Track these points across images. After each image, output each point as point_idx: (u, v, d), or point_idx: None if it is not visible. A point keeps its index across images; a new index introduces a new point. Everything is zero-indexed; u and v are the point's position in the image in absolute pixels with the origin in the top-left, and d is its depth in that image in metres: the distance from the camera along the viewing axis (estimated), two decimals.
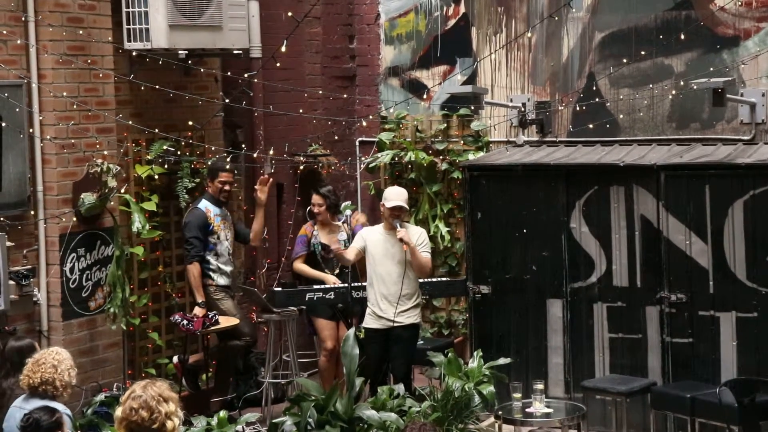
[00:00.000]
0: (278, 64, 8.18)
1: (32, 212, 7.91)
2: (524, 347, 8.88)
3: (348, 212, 9.36)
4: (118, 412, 4.79)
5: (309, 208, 9.45)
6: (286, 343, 9.21)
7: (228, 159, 9.17)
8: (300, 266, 9.28)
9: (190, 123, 8.35)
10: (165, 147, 8.74)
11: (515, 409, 7.82)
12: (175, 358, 8.90)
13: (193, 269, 8.65)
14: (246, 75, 8.19)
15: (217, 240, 8.83)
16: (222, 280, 8.83)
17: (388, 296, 8.18)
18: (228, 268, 8.89)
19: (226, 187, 8.88)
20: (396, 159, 10.35)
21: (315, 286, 8.99)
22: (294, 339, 9.09)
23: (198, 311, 8.54)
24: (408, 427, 5.60)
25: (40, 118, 7.92)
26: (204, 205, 8.80)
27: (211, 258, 8.79)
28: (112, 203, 8.28)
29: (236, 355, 9.08)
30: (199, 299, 8.64)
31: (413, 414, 7.33)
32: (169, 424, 4.78)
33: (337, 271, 9.16)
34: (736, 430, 7.69)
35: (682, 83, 9.23)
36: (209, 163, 9.03)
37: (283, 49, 6.90)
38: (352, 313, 8.84)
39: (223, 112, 9.49)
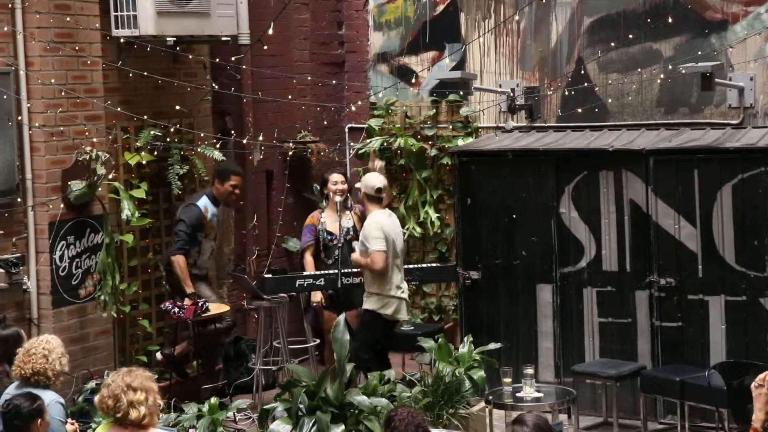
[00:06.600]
0: (266, 47, 8.13)
1: (20, 200, 7.89)
2: (514, 332, 8.89)
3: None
4: (97, 397, 5.07)
5: (326, 192, 9.27)
6: (276, 329, 9.21)
7: (218, 145, 9.15)
8: (307, 259, 9.22)
9: (177, 107, 8.30)
10: (153, 133, 8.72)
11: (506, 393, 7.83)
12: (159, 354, 8.87)
13: (179, 260, 8.65)
14: (233, 58, 8.14)
15: (204, 238, 8.85)
16: (196, 271, 8.88)
17: None
18: (206, 264, 8.96)
19: (237, 191, 8.91)
20: (385, 145, 10.35)
21: (305, 273, 8.99)
22: (284, 325, 9.09)
23: (188, 302, 8.54)
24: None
25: (28, 105, 7.90)
26: (203, 203, 8.82)
27: (193, 253, 8.82)
28: (101, 191, 8.26)
29: (219, 338, 9.07)
30: (188, 290, 8.63)
31: (403, 399, 7.34)
32: (133, 413, 4.86)
33: (332, 261, 9.10)
34: (725, 412, 7.73)
35: (670, 68, 9.23)
36: (220, 163, 9.03)
37: (270, 31, 6.83)
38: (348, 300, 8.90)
39: (212, 99, 9.47)
